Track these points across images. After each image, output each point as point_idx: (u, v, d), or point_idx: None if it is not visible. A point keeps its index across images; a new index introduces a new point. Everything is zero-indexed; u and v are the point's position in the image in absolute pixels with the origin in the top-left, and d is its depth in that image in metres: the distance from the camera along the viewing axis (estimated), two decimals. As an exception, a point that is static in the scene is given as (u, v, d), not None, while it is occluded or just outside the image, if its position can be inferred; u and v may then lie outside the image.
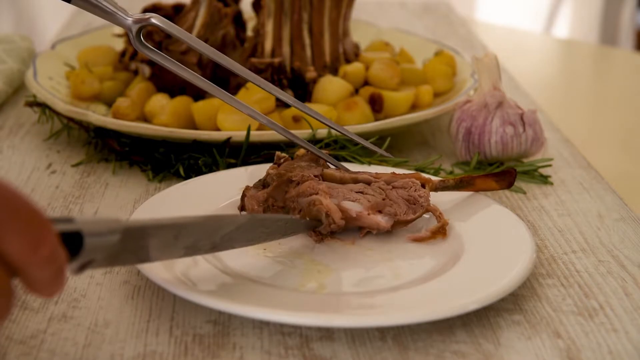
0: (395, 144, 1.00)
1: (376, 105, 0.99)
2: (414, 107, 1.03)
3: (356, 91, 1.01)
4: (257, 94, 0.95)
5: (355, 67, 1.02)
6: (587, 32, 3.23)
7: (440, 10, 1.79)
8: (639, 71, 2.03)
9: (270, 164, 0.86)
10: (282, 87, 0.99)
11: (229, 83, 1.05)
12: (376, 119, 0.98)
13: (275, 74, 0.98)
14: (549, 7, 3.32)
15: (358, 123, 0.95)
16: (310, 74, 1.00)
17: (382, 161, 0.90)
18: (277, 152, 0.83)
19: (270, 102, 0.96)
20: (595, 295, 0.69)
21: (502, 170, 0.79)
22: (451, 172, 0.92)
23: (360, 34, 1.24)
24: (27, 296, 0.68)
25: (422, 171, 0.88)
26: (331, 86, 0.98)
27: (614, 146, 1.62)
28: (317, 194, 0.74)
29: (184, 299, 0.67)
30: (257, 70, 0.98)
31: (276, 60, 0.99)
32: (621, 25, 3.21)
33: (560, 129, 1.09)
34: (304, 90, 1.00)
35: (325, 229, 0.73)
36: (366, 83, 1.03)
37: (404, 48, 1.14)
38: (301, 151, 0.83)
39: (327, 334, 0.63)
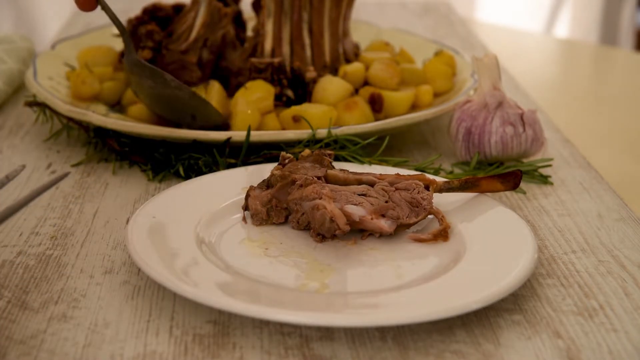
0: (395, 144, 1.00)
1: (376, 105, 0.99)
2: (414, 107, 1.03)
3: (356, 91, 1.01)
4: (256, 93, 0.95)
5: (355, 67, 1.02)
6: (587, 32, 3.23)
7: (440, 10, 1.79)
8: (639, 71, 2.03)
9: (271, 164, 0.86)
10: (282, 87, 0.99)
11: (229, 83, 1.05)
12: (376, 119, 0.98)
13: (275, 74, 0.98)
14: (549, 7, 3.32)
15: (358, 123, 0.95)
16: (310, 74, 1.00)
17: (382, 161, 0.90)
18: (282, 153, 0.83)
19: (269, 101, 0.96)
20: (595, 295, 0.69)
21: (507, 172, 0.79)
22: (451, 172, 0.92)
23: (360, 34, 1.24)
24: (27, 296, 0.68)
25: (422, 171, 0.88)
26: (331, 86, 0.98)
27: (614, 146, 1.62)
28: (320, 198, 0.74)
29: (184, 298, 0.67)
30: (257, 70, 0.98)
31: (276, 60, 0.99)
32: (621, 25, 3.21)
33: (560, 129, 1.09)
34: (303, 90, 1.00)
35: (329, 233, 0.73)
36: (366, 83, 1.03)
37: (404, 48, 1.14)
38: (306, 152, 0.83)
39: (327, 334, 0.63)
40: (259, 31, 1.04)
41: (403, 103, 1.00)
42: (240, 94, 0.96)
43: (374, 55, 1.07)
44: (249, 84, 0.96)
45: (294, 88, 1.00)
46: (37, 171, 0.93)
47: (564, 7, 3.31)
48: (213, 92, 0.98)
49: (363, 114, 0.96)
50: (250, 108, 0.93)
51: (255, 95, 0.95)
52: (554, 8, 3.31)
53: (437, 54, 1.13)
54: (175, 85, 0.92)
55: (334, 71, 1.04)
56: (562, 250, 0.77)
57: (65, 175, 0.71)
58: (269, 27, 1.02)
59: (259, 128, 0.95)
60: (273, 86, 0.98)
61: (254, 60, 0.99)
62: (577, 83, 2.00)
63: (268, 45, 1.02)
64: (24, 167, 0.74)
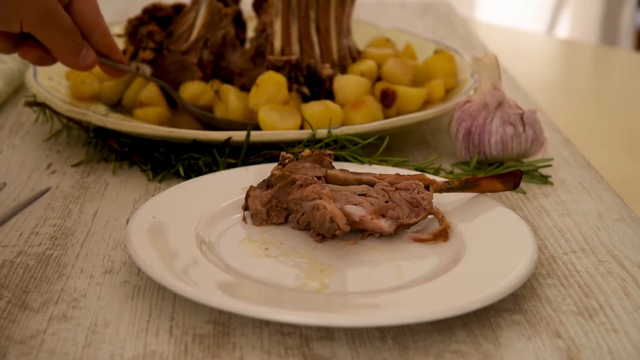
0: (395, 144, 1.00)
1: (387, 99, 0.98)
2: (426, 102, 1.03)
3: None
4: (270, 88, 0.95)
5: (368, 65, 1.02)
6: (587, 32, 3.23)
7: (440, 10, 1.79)
8: (639, 71, 2.03)
9: (271, 164, 0.86)
10: (299, 84, 0.99)
11: (232, 83, 1.05)
12: (386, 116, 0.98)
13: (293, 71, 0.98)
14: (550, 7, 3.32)
15: (365, 121, 0.95)
16: (327, 71, 1.00)
17: (382, 161, 0.90)
18: (282, 153, 0.83)
19: (283, 93, 0.95)
20: (595, 295, 0.69)
21: (507, 172, 0.79)
22: (451, 172, 0.92)
23: (361, 34, 1.23)
24: (27, 296, 0.68)
25: (422, 171, 0.88)
26: (350, 84, 0.98)
27: (614, 146, 1.62)
28: (320, 198, 0.74)
29: (184, 298, 0.67)
30: (275, 68, 0.98)
31: (293, 57, 0.99)
32: (621, 26, 3.21)
33: (560, 129, 1.09)
34: (318, 88, 1.00)
35: (329, 233, 0.73)
36: (378, 78, 1.03)
37: (409, 44, 1.14)
38: (306, 152, 0.83)
39: (327, 334, 0.63)
40: (264, 30, 1.04)
41: (417, 98, 1.01)
42: (252, 92, 0.95)
43: (378, 51, 1.07)
44: (260, 79, 0.96)
45: (310, 85, 1.00)
46: (37, 171, 0.93)
47: (564, 7, 3.31)
48: (229, 96, 0.98)
49: (370, 112, 0.96)
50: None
51: (270, 90, 0.95)
52: (554, 8, 3.31)
53: (436, 53, 1.12)
54: (226, 124, 0.96)
55: (342, 68, 1.04)
56: (562, 250, 0.77)
57: (46, 190, 0.74)
58: (278, 26, 1.02)
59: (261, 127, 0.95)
60: (290, 83, 0.98)
61: (271, 58, 0.99)
62: (577, 83, 2.00)
63: (278, 44, 1.02)
64: (4, 184, 0.76)
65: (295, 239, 0.76)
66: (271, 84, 0.95)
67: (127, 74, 0.94)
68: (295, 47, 1.02)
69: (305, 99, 0.99)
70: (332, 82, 1.00)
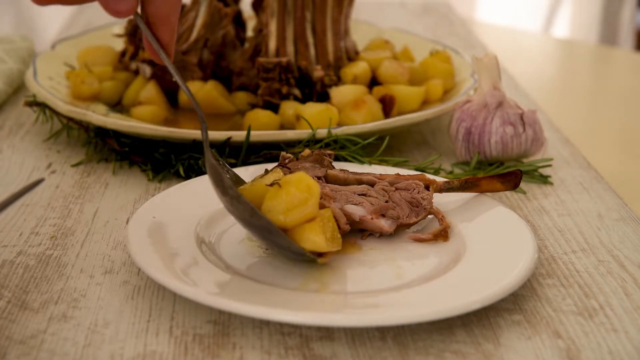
0: (395, 144, 1.00)
1: (386, 106, 0.99)
2: (424, 102, 1.03)
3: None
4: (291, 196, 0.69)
5: (362, 68, 1.02)
6: (587, 32, 3.24)
7: (440, 10, 1.79)
8: (639, 71, 2.03)
9: (270, 164, 0.86)
10: (290, 86, 0.99)
11: (232, 83, 1.05)
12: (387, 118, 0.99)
13: (283, 73, 0.98)
14: (549, 7, 3.32)
15: (366, 121, 0.95)
16: (318, 72, 1.00)
17: (382, 161, 0.91)
18: (282, 153, 0.83)
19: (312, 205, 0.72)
20: (595, 295, 0.69)
21: (507, 172, 0.79)
22: (451, 172, 0.92)
23: (360, 34, 1.24)
24: (27, 296, 0.68)
25: (422, 171, 0.88)
26: (347, 91, 0.99)
27: (614, 146, 1.62)
28: (320, 198, 0.74)
29: (184, 298, 0.67)
30: (265, 70, 0.98)
31: (284, 59, 0.99)
32: (621, 25, 3.21)
33: (560, 129, 1.09)
34: (310, 89, 1.00)
35: None
36: (376, 82, 1.03)
37: (407, 47, 1.14)
38: (306, 152, 0.83)
39: (327, 334, 0.63)
40: (261, 31, 1.04)
41: (415, 97, 1.01)
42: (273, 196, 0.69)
43: (375, 54, 1.07)
44: (284, 180, 0.68)
45: (301, 87, 1.00)
46: (37, 171, 0.93)
47: (564, 7, 3.32)
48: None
49: (370, 112, 0.96)
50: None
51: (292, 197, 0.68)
52: (553, 8, 3.32)
53: (432, 54, 1.12)
54: (234, 194, 0.68)
55: (338, 69, 1.04)
56: (562, 250, 0.77)
57: (40, 181, 0.65)
58: (273, 27, 1.02)
59: (260, 127, 0.94)
60: (281, 85, 0.98)
61: (262, 60, 0.99)
62: (577, 83, 2.00)
63: (272, 44, 1.02)
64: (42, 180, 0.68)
65: (295, 239, 0.75)
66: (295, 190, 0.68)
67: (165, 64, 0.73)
68: (290, 48, 1.02)
69: (298, 101, 0.99)
70: (324, 84, 1.00)
